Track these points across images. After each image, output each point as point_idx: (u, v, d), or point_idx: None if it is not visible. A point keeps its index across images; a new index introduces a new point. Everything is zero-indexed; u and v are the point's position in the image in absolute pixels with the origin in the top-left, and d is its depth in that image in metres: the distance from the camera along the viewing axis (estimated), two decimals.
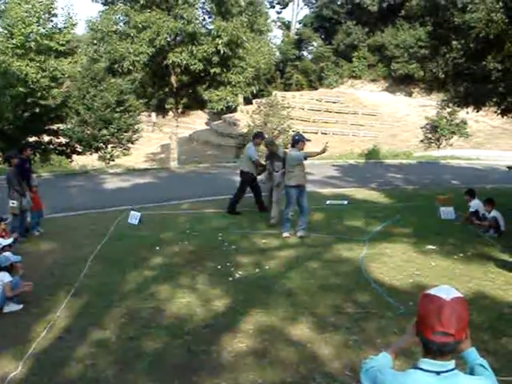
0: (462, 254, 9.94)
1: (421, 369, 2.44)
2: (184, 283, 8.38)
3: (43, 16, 28.70)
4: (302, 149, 11.33)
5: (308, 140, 12.03)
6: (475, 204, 12.25)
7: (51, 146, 30.96)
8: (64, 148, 31.13)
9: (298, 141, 11.23)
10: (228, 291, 7.98)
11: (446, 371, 2.41)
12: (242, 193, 13.59)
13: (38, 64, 28.03)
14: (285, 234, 11.27)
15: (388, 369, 2.60)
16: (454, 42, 14.70)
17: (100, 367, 5.74)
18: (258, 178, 13.39)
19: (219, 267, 9.17)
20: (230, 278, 8.62)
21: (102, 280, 8.60)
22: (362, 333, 6.49)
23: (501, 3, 12.62)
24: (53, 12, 29.45)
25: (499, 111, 16.41)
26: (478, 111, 17.55)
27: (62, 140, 31.06)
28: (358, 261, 9.49)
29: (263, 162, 13.37)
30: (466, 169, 25.63)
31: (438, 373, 2.41)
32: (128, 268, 9.14)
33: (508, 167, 13.28)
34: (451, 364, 2.44)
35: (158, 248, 10.40)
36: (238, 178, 13.81)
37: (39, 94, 28.02)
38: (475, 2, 13.11)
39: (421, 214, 13.41)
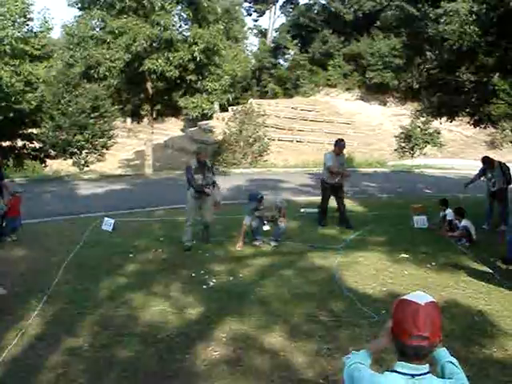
0: (434, 263, 10.03)
1: (396, 371, 2.50)
2: (157, 291, 8.36)
3: (19, 19, 28.43)
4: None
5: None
6: (449, 213, 12.39)
7: (25, 151, 30.70)
8: (38, 153, 30.87)
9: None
10: (202, 299, 7.96)
11: (421, 374, 2.47)
12: (324, 202, 13.46)
13: (12, 68, 27.73)
14: (256, 242, 11.30)
15: (366, 369, 2.65)
16: (428, 53, 14.93)
17: (72, 375, 5.68)
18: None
19: (193, 275, 9.15)
20: (204, 286, 8.61)
21: (75, 287, 8.52)
22: (335, 341, 6.53)
23: (474, 16, 12.82)
24: (28, 16, 29.21)
25: (472, 122, 16.68)
26: (451, 121, 17.81)
27: (36, 145, 30.80)
28: (332, 269, 9.53)
29: (337, 170, 13.02)
30: (439, 178, 25.89)
31: (412, 375, 2.47)
32: (101, 275, 9.08)
33: (465, 185, 13.48)
34: (426, 367, 2.51)
35: (131, 255, 10.34)
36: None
37: (13, 98, 27.69)
38: (449, 15, 13.31)
39: (394, 223, 13.52)
